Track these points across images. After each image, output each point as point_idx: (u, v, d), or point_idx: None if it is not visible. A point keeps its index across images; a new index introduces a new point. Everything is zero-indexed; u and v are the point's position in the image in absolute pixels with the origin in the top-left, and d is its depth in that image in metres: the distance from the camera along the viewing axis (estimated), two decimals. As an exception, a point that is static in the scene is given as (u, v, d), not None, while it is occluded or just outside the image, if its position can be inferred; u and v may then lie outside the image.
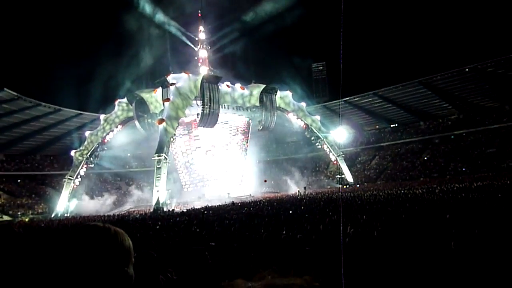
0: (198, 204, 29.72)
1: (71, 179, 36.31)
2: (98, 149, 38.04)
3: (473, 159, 40.47)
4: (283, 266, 3.94)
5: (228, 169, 41.67)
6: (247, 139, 44.64)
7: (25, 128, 43.26)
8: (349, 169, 44.87)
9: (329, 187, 43.77)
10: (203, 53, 46.10)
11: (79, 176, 36.92)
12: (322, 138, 43.75)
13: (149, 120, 37.69)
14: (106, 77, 45.18)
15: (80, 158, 37.09)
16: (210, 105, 36.42)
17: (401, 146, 50.85)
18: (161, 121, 32.85)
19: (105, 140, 38.14)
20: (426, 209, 10.46)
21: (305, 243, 5.92)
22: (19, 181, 44.50)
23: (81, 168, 36.95)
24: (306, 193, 33.80)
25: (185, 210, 22.77)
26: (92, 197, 40.42)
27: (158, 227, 11.91)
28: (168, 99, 34.37)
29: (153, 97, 37.42)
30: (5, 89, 35.61)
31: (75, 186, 36.67)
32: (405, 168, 46.02)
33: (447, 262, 3.77)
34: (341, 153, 44.52)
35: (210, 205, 25.18)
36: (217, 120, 37.80)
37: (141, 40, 45.72)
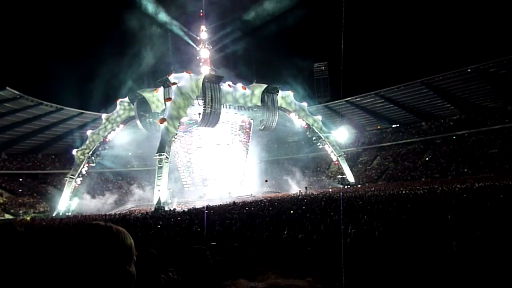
0: (199, 204, 29.74)
1: (72, 178, 36.39)
2: (100, 148, 38.14)
3: (475, 159, 40.36)
4: (284, 267, 3.94)
5: (230, 169, 41.69)
6: (249, 139, 44.65)
7: (27, 127, 43.40)
8: (351, 169, 44.83)
9: (330, 187, 43.70)
10: (204, 52, 46.13)
11: (80, 175, 37.01)
12: (324, 138, 43.71)
13: (151, 120, 37.76)
14: (108, 76, 45.19)
15: (81, 157, 37.17)
16: (211, 105, 36.48)
17: (402, 147, 50.77)
18: (162, 120, 32.89)
19: (107, 139, 38.22)
20: (427, 210, 10.43)
21: (306, 243, 5.92)
22: (20, 179, 44.63)
23: (83, 167, 37.03)
24: (307, 193, 33.78)
25: (186, 210, 22.77)
26: (93, 196, 40.49)
27: (159, 226, 11.92)
28: (169, 99, 34.42)
29: (155, 96, 37.46)
30: (7, 88, 35.73)
31: (76, 185, 36.76)
32: (407, 169, 45.95)
33: (449, 263, 3.76)
34: (343, 153, 44.49)
35: (211, 204, 25.20)
36: (218, 120, 37.84)
37: (143, 39, 45.70)
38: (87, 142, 37.88)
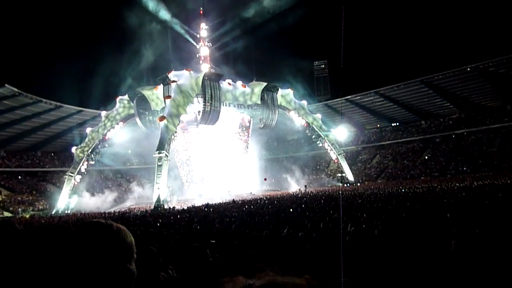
0: (198, 202, 29.76)
1: (71, 176, 36.35)
2: (99, 146, 38.07)
3: (474, 158, 40.43)
4: (283, 264, 3.94)
5: (229, 167, 41.70)
6: (248, 137, 44.64)
7: (26, 124, 43.33)
8: (350, 168, 44.88)
9: (329, 185, 43.78)
10: (204, 50, 46.04)
11: (80, 173, 36.98)
12: (323, 137, 43.71)
13: (150, 117, 37.68)
14: (108, 74, 45.09)
15: (81, 155, 37.12)
16: (211, 103, 36.46)
17: (402, 145, 50.83)
18: (162, 118, 32.84)
19: (106, 137, 38.16)
20: (426, 208, 10.46)
21: (305, 241, 5.93)
22: (19, 177, 44.61)
23: (82, 165, 36.98)
24: (307, 191, 33.82)
25: (185, 208, 22.79)
26: (93, 194, 40.47)
27: (158, 224, 11.93)
28: (169, 96, 34.35)
29: (154, 94, 37.39)
30: (6, 85, 35.62)
31: (75, 183, 36.70)
32: (406, 167, 46.02)
33: (447, 261, 3.77)
34: (342, 151, 44.50)
35: (210, 202, 25.21)
36: (218, 118, 37.83)
37: (143, 37, 45.60)
38: (87, 139, 37.81)
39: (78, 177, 36.85)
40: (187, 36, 46.22)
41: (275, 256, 4.66)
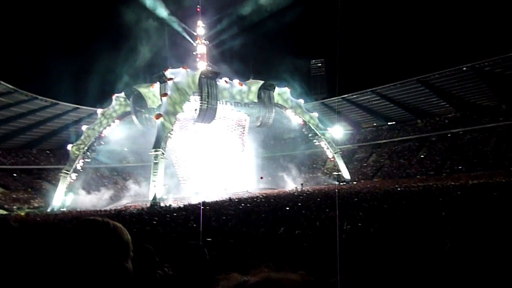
0: (195, 200, 29.71)
1: (67, 174, 36.20)
2: (95, 144, 37.93)
3: (470, 157, 40.69)
4: (279, 262, 3.95)
5: (226, 165, 41.66)
6: (245, 135, 44.62)
7: (21, 121, 43.03)
8: (346, 166, 44.98)
9: (326, 184, 43.88)
10: (201, 48, 45.86)
11: (75, 171, 36.82)
12: (320, 135, 43.79)
13: (147, 115, 37.56)
14: (104, 71, 44.95)
15: (76, 152, 36.96)
16: (208, 101, 36.38)
17: (398, 144, 51.04)
18: (158, 116, 32.75)
19: (102, 135, 38.01)
20: (422, 207, 10.52)
21: (302, 239, 5.95)
22: (15, 175, 44.29)
23: (78, 162, 36.84)
24: (303, 189, 33.90)
25: (182, 206, 22.75)
26: (88, 192, 40.29)
27: (154, 222, 11.90)
28: (166, 94, 34.26)
29: (151, 91, 37.25)
30: (1, 82, 35.37)
31: (71, 181, 36.56)
32: (402, 166, 46.22)
33: (442, 259, 3.80)
34: (338, 150, 44.61)
35: (207, 200, 25.18)
36: (215, 116, 37.77)
37: (139, 34, 45.39)
38: (83, 137, 37.65)
39: (74, 175, 36.71)
40: (184, 34, 46.07)
41: (272, 254, 4.68)
